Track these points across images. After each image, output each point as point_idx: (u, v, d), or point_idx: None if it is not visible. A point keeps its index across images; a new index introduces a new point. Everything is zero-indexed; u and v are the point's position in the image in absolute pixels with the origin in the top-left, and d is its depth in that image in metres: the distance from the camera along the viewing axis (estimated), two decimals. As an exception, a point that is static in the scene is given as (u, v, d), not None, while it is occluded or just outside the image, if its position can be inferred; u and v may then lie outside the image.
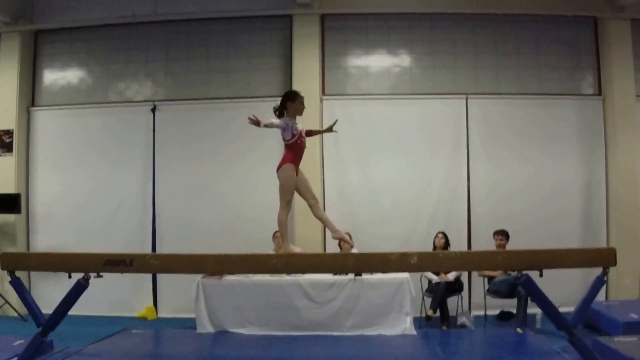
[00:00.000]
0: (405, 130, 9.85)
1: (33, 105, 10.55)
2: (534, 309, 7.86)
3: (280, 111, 5.47)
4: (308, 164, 9.58)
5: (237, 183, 10.02)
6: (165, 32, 10.43)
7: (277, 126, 5.29)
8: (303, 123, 5.12)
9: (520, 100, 10.01)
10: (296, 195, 5.62)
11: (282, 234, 5.54)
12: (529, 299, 7.86)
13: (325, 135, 9.78)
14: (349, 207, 9.78)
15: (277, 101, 5.55)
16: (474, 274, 9.32)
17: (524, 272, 5.26)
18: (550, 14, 10.06)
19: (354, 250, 7.22)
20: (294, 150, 5.43)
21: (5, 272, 5.45)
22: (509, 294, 8.45)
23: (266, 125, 5.17)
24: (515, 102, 10.00)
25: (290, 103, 5.43)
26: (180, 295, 9.37)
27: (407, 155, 9.80)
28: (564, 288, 8.47)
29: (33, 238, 10.36)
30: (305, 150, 9.47)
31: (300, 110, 5.50)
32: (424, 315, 8.59)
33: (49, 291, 9.08)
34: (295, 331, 7.97)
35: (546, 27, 10.16)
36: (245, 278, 8.21)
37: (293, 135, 5.38)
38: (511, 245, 8.62)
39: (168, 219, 10.08)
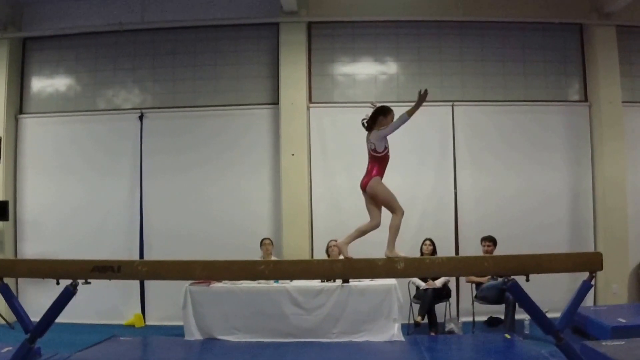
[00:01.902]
0: (391, 138, 9.84)
1: (21, 112, 10.52)
2: (522, 315, 7.83)
3: (369, 124, 5.60)
4: (296, 173, 9.69)
5: (225, 191, 10.01)
6: (153, 39, 10.43)
7: (390, 131, 5.53)
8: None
9: (506, 107, 10.06)
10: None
11: (391, 238, 5.71)
12: (516, 304, 7.87)
13: (313, 143, 9.84)
14: (336, 215, 9.72)
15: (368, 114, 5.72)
16: (462, 280, 9.31)
17: (511, 277, 5.30)
18: (536, 21, 10.13)
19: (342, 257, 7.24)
20: (382, 162, 5.65)
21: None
22: (496, 300, 8.44)
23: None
24: (501, 109, 10.05)
25: (382, 117, 5.60)
26: (168, 303, 9.34)
27: (394, 163, 9.77)
28: (552, 294, 8.53)
29: (21, 246, 10.30)
30: (293, 159, 9.62)
31: None
32: (412, 321, 8.61)
33: (36, 299, 9.03)
34: (283, 338, 7.97)
35: (532, 34, 10.24)
36: (233, 285, 8.20)
37: (385, 148, 5.55)
38: (499, 253, 8.56)
39: (156, 227, 10.04)
